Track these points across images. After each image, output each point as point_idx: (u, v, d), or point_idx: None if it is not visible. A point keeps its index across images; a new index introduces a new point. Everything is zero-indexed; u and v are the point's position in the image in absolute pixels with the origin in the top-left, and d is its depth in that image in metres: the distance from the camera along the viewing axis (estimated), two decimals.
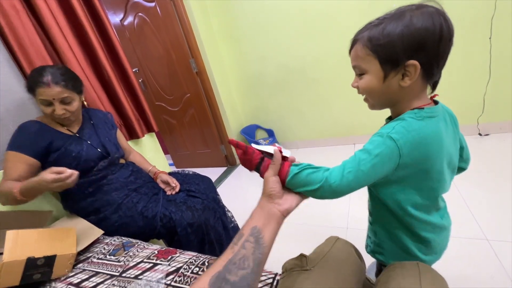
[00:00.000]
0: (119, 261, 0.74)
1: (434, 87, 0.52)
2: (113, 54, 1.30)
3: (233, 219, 1.33)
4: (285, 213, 0.49)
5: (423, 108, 0.49)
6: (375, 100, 0.54)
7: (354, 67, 0.54)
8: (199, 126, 2.48)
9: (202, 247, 0.98)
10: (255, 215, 0.48)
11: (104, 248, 0.83)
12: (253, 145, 0.55)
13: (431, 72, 0.48)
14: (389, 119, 0.59)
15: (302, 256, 0.57)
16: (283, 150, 0.53)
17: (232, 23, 2.23)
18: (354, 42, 0.53)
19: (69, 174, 0.76)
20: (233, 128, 2.44)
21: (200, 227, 0.96)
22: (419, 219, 0.54)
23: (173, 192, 1.12)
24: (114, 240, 0.87)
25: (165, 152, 3.02)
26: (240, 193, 2.02)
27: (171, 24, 2.06)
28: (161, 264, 0.68)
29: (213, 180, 2.34)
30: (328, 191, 0.47)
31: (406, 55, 0.45)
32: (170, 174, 1.24)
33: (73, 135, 1.01)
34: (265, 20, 2.09)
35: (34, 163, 0.91)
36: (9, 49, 1.01)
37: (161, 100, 2.53)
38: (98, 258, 0.78)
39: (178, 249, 0.76)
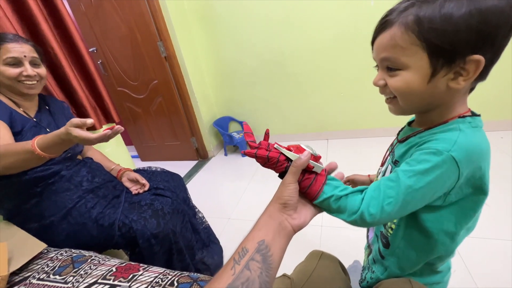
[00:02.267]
0: (66, 282, 0.61)
1: (471, 90, 0.41)
2: (61, 28, 1.08)
3: (204, 220, 1.24)
4: (297, 229, 0.41)
5: (476, 116, 0.40)
6: (409, 104, 0.42)
7: (383, 60, 0.41)
8: (168, 116, 2.30)
9: (169, 258, 0.87)
10: (263, 226, 0.39)
11: (48, 265, 0.68)
12: (277, 146, 0.44)
13: (488, 71, 0.37)
14: (409, 124, 0.50)
15: (285, 277, 0.50)
16: (309, 150, 0.43)
17: (206, 3, 2.05)
18: (386, 24, 0.39)
19: (107, 133, 0.60)
20: (205, 120, 2.30)
21: (167, 236, 0.85)
22: (451, 255, 0.46)
23: (141, 191, 0.99)
24: (61, 254, 0.72)
25: (129, 143, 2.77)
26: (213, 189, 1.92)
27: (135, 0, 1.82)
28: (120, 286, 0.57)
29: (183, 174, 2.21)
30: (363, 223, 0.40)
31: (470, 46, 0.34)
32: (135, 171, 1.10)
33: (30, 119, 0.84)
34: (244, 4, 1.96)
35: (9, 130, 0.75)
36: None
37: (124, 86, 2.28)
38: (39, 279, 0.64)
39: (141, 265, 0.65)
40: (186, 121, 2.27)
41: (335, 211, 0.42)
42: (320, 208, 0.44)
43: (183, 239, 0.96)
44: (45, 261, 0.70)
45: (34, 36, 1.00)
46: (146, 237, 0.82)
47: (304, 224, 0.42)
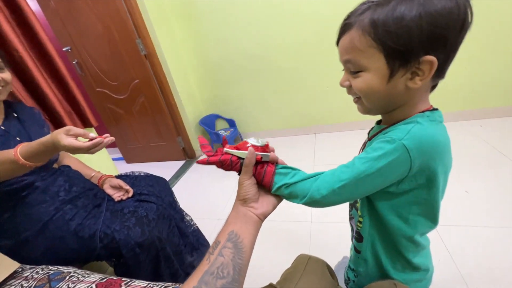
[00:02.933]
0: None
1: (433, 87, 0.43)
2: (26, 28, 1.00)
3: (192, 223, 1.21)
4: (262, 217, 0.46)
5: (435, 110, 0.42)
6: (372, 104, 0.43)
7: (345, 62, 0.42)
8: (152, 116, 2.23)
9: (157, 265, 0.85)
10: (231, 219, 0.44)
11: (22, 286, 0.64)
12: (226, 149, 0.48)
13: (444, 70, 0.38)
14: (378, 123, 0.51)
15: (271, 286, 0.49)
16: (256, 143, 0.47)
17: None
18: (346, 27, 0.40)
19: (100, 141, 0.59)
20: (190, 118, 2.25)
21: (153, 244, 0.82)
22: (416, 242, 0.47)
23: (125, 198, 0.95)
24: (37, 272, 0.68)
25: (113, 145, 2.68)
26: (201, 189, 1.89)
27: None
28: None
29: (170, 175, 2.16)
30: (315, 204, 0.43)
31: (423, 48, 0.35)
32: (117, 178, 1.05)
33: None
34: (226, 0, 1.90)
35: None
36: None
37: (103, 86, 2.18)
38: None
39: (123, 279, 0.62)
40: (171, 120, 2.21)
41: (288, 197, 0.46)
42: (280, 196, 0.48)
43: (171, 245, 0.94)
44: (19, 281, 0.66)
45: None
46: (130, 247, 0.79)
47: (268, 212, 0.47)
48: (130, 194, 0.97)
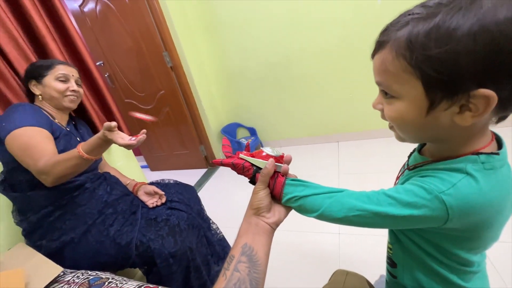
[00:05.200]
0: None
1: (502, 118, 0.32)
2: (69, 46, 1.08)
3: (218, 231, 1.21)
4: (274, 226, 0.45)
5: (496, 154, 0.33)
6: (407, 135, 0.37)
7: (378, 84, 0.37)
8: (176, 126, 2.29)
9: (187, 276, 0.85)
10: (242, 231, 0.44)
11: None
12: (242, 155, 0.49)
13: (509, 103, 0.29)
14: (420, 148, 0.44)
15: None
16: (271, 153, 0.48)
17: (209, 11, 2.05)
18: (380, 44, 0.34)
19: (143, 138, 0.71)
20: (212, 127, 2.29)
21: (184, 254, 0.83)
22: (466, 262, 0.40)
23: (159, 203, 1.00)
24: (78, 277, 0.70)
25: (138, 153, 2.79)
26: (224, 197, 1.90)
27: (139, 11, 1.83)
28: None
29: (193, 183, 2.19)
30: (327, 221, 0.41)
31: (475, 79, 0.26)
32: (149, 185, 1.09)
33: (64, 129, 0.90)
34: (246, 9, 1.95)
35: (52, 138, 0.80)
36: None
37: (131, 97, 2.29)
38: None
39: (159, 287, 0.62)
40: (194, 129, 2.26)
41: (298, 210, 0.44)
42: None
43: (199, 255, 0.94)
44: (61, 285, 0.69)
45: (44, 57, 1.01)
46: (164, 257, 0.80)
47: (280, 220, 0.46)
48: (164, 200, 1.01)
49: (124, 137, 0.69)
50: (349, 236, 1.24)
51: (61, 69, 0.88)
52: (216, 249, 1.12)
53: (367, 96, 1.99)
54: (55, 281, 0.70)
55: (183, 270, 0.84)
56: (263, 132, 2.45)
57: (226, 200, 1.85)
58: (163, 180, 1.17)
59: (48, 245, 0.81)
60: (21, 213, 0.84)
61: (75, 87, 0.91)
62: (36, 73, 0.87)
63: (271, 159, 0.46)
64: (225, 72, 2.28)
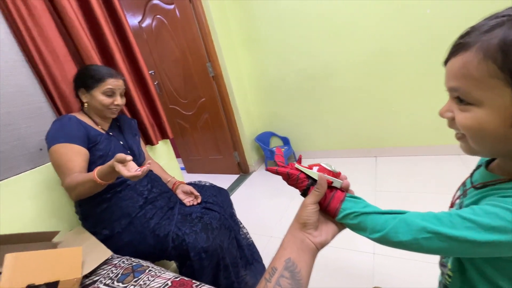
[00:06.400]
0: None
1: None
2: (130, 57, 1.24)
3: (248, 236, 1.23)
4: (319, 246, 0.43)
5: None
6: (482, 147, 0.34)
7: (452, 89, 0.34)
8: (213, 131, 2.41)
9: (216, 273, 0.89)
10: (287, 245, 0.42)
11: (112, 271, 0.75)
12: (297, 165, 0.47)
13: None
14: (487, 165, 0.41)
15: None
16: (328, 168, 0.45)
17: (251, 25, 2.16)
18: (460, 47, 0.32)
19: (147, 170, 0.71)
20: (247, 135, 2.36)
21: (215, 251, 0.87)
22: None
23: (195, 203, 1.06)
24: (123, 262, 0.79)
25: (177, 156, 2.97)
26: (254, 204, 1.93)
27: (189, 26, 2.01)
28: None
29: (225, 188, 2.26)
30: (387, 244, 0.37)
31: None
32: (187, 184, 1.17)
33: (104, 133, 0.99)
34: (286, 22, 2.01)
35: (86, 152, 0.89)
36: (25, 50, 0.96)
37: (175, 104, 2.48)
38: (105, 284, 0.70)
39: (193, 281, 0.67)
40: (230, 136, 2.36)
41: (355, 227, 0.41)
42: (342, 225, 0.44)
43: (229, 255, 0.97)
44: (110, 267, 0.77)
45: (111, 65, 1.17)
46: (197, 250, 0.85)
47: (327, 241, 0.43)
48: (199, 200, 1.07)
49: (130, 169, 0.70)
50: (385, 258, 1.17)
51: (109, 84, 0.93)
52: (245, 253, 1.14)
53: (410, 110, 1.88)
54: (104, 262, 0.79)
55: (213, 266, 0.88)
56: (296, 142, 2.45)
57: (254, 208, 1.87)
58: (200, 181, 1.25)
59: (99, 232, 0.92)
60: (77, 203, 0.97)
61: (119, 101, 0.97)
62: (86, 83, 0.93)
63: (320, 174, 0.43)
64: (262, 82, 2.35)
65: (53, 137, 0.86)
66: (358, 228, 0.41)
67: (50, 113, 1.05)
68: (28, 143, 0.97)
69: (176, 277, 0.68)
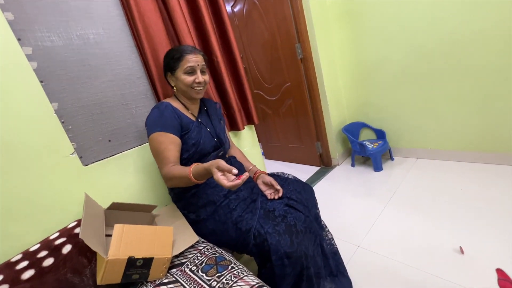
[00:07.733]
0: (211, 286, 0.63)
1: None
2: (224, 40, 1.22)
3: (333, 242, 1.08)
4: None
5: None
6: None
7: None
8: (296, 119, 2.28)
9: (298, 283, 0.78)
10: None
11: (198, 258, 0.75)
12: None
13: None
14: None
15: None
16: None
17: None
18: None
19: (240, 184, 0.66)
20: (333, 124, 2.11)
21: (299, 259, 0.77)
22: None
23: (276, 197, 0.97)
24: (208, 250, 0.78)
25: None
26: (336, 203, 1.72)
27: (280, 4, 1.87)
28: None
29: (304, 180, 2.13)
30: None
31: None
32: (269, 175, 1.09)
33: (195, 121, 0.99)
34: None
35: (179, 142, 0.91)
36: (135, 35, 1.04)
37: (259, 89, 2.45)
38: (190, 270, 0.70)
39: None
40: (313, 124, 2.17)
41: None
42: None
43: (314, 265, 0.85)
44: (195, 252, 0.78)
45: (206, 47, 1.17)
46: (279, 255, 0.76)
47: None
48: (280, 194, 0.98)
49: (229, 178, 0.66)
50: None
51: (189, 61, 0.91)
52: (329, 262, 1.00)
53: None
54: (191, 246, 0.80)
55: (295, 275, 0.78)
56: (394, 137, 2.04)
57: (337, 208, 1.66)
58: (283, 173, 1.15)
59: (187, 215, 0.95)
60: (171, 188, 1.02)
61: (200, 79, 0.93)
62: (170, 66, 0.94)
63: None
64: (357, 64, 2.02)
65: (152, 124, 0.90)
66: None
67: (153, 96, 1.13)
68: (138, 122, 1.09)
69: (261, 286, 0.61)
